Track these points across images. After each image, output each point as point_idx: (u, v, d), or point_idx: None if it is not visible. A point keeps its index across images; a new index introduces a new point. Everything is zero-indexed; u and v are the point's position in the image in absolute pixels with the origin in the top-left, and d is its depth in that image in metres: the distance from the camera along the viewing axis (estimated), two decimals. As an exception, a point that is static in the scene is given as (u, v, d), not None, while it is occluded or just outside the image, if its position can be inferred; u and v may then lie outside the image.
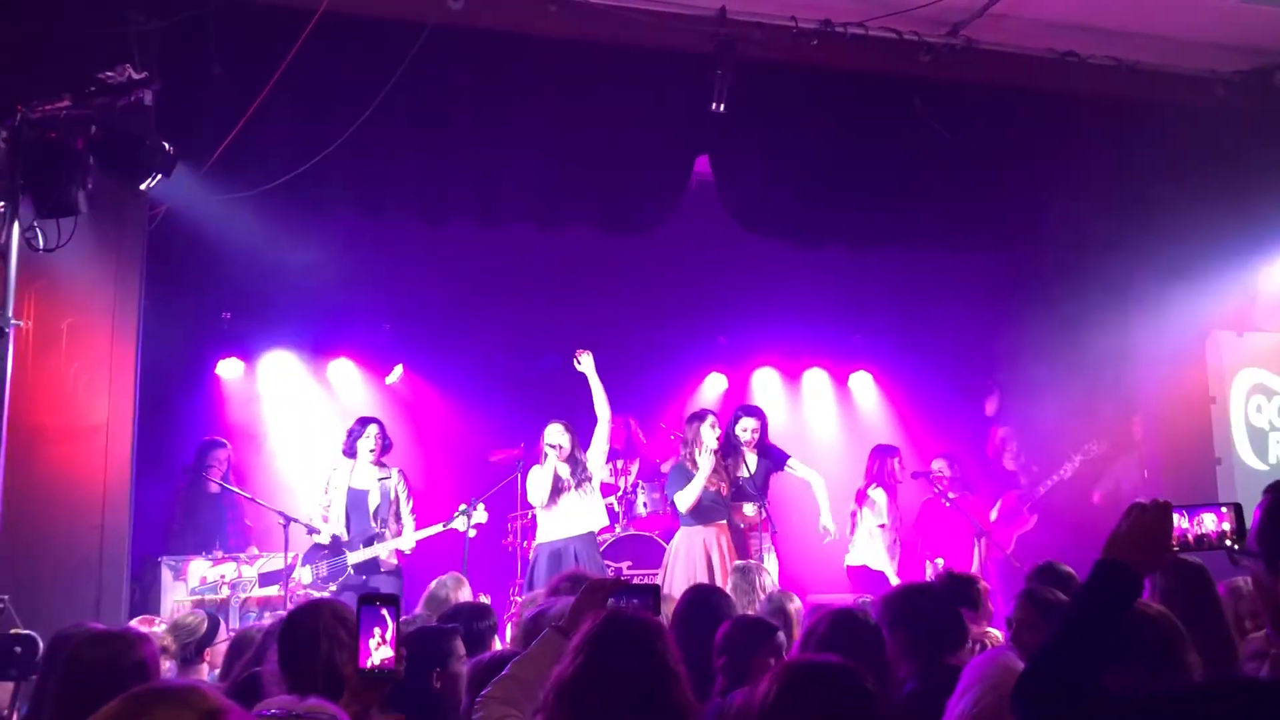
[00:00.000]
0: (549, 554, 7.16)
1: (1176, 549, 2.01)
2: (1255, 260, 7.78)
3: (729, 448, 7.41)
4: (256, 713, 2.10)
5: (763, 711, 2.09)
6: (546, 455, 7.21)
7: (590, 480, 7.33)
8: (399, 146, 6.67)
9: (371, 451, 7.35)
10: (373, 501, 7.27)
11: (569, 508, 7.24)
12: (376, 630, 2.43)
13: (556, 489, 7.24)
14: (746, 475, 7.36)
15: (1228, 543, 2.04)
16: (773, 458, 7.64)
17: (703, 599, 3.58)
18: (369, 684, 2.42)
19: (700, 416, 7.44)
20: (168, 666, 4.29)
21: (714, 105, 6.72)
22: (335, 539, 7.21)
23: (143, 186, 5.03)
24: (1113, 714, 1.78)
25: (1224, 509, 2.05)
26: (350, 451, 7.37)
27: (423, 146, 6.75)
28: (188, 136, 5.72)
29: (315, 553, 7.25)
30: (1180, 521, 2.02)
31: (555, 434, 7.25)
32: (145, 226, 6.25)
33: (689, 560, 7.03)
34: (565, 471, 7.28)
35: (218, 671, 4.75)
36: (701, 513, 7.19)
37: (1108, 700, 1.80)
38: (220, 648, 4.85)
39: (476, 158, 6.84)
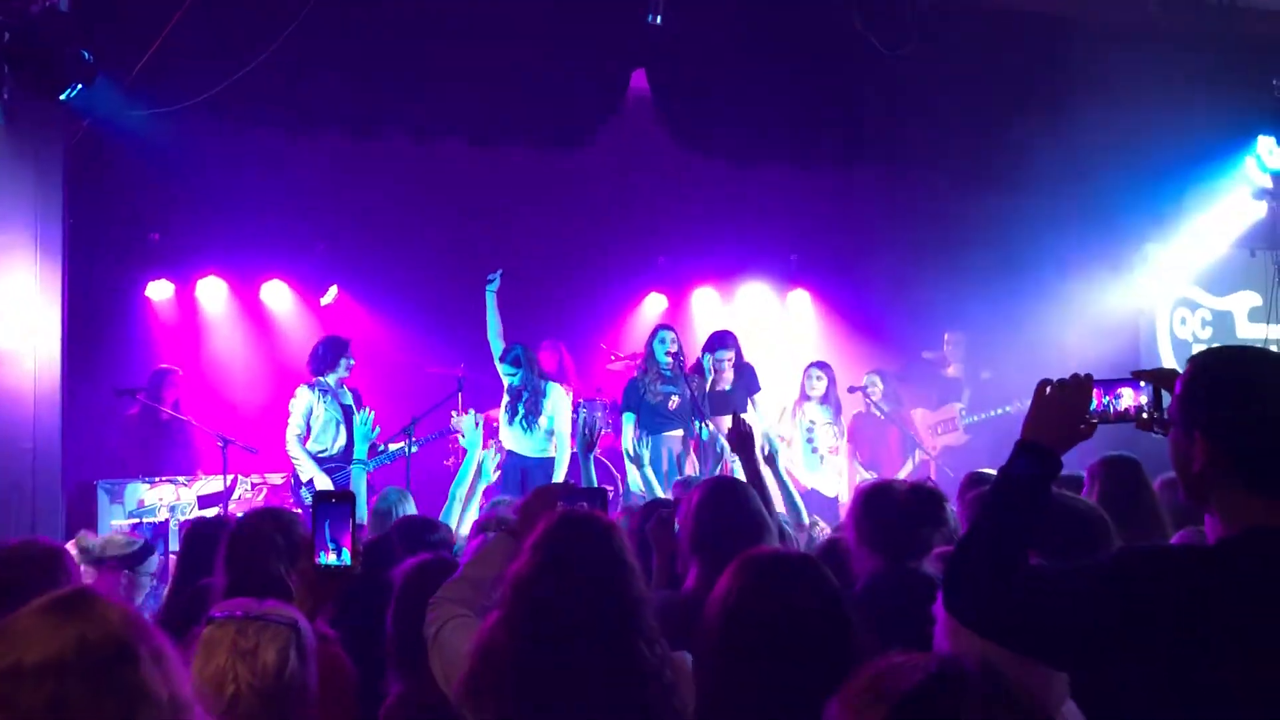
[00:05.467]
0: (510, 467, 7.30)
1: (1095, 421, 2.03)
2: (1184, 176, 7.93)
3: (700, 371, 7.52)
4: (210, 614, 2.09)
5: (725, 606, 2.09)
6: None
7: (538, 417, 7.36)
8: (328, 59, 6.52)
9: (350, 369, 7.29)
10: (360, 418, 7.25)
11: (518, 431, 7.39)
12: (333, 526, 2.43)
13: (513, 408, 7.39)
14: (726, 389, 7.50)
15: (1144, 415, 2.06)
16: (749, 381, 7.70)
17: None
18: (324, 579, 2.42)
19: (652, 334, 7.56)
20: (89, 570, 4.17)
21: (650, 17, 6.63)
22: (335, 456, 7.13)
23: (62, 97, 4.85)
24: (1040, 589, 1.80)
25: (1141, 384, 2.07)
26: (328, 370, 7.21)
27: (351, 59, 6.61)
28: (108, 46, 5.53)
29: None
30: (1099, 397, 2.05)
31: (503, 368, 7.40)
32: (65, 141, 6.04)
33: (661, 466, 7.19)
34: (522, 398, 7.38)
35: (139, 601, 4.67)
36: (653, 425, 7.34)
37: (1035, 577, 1.83)
38: (137, 575, 4.75)
39: (407, 71, 6.69)
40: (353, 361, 7.32)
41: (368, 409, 7.08)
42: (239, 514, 6.61)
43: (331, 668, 2.50)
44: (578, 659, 2.17)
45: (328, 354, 7.21)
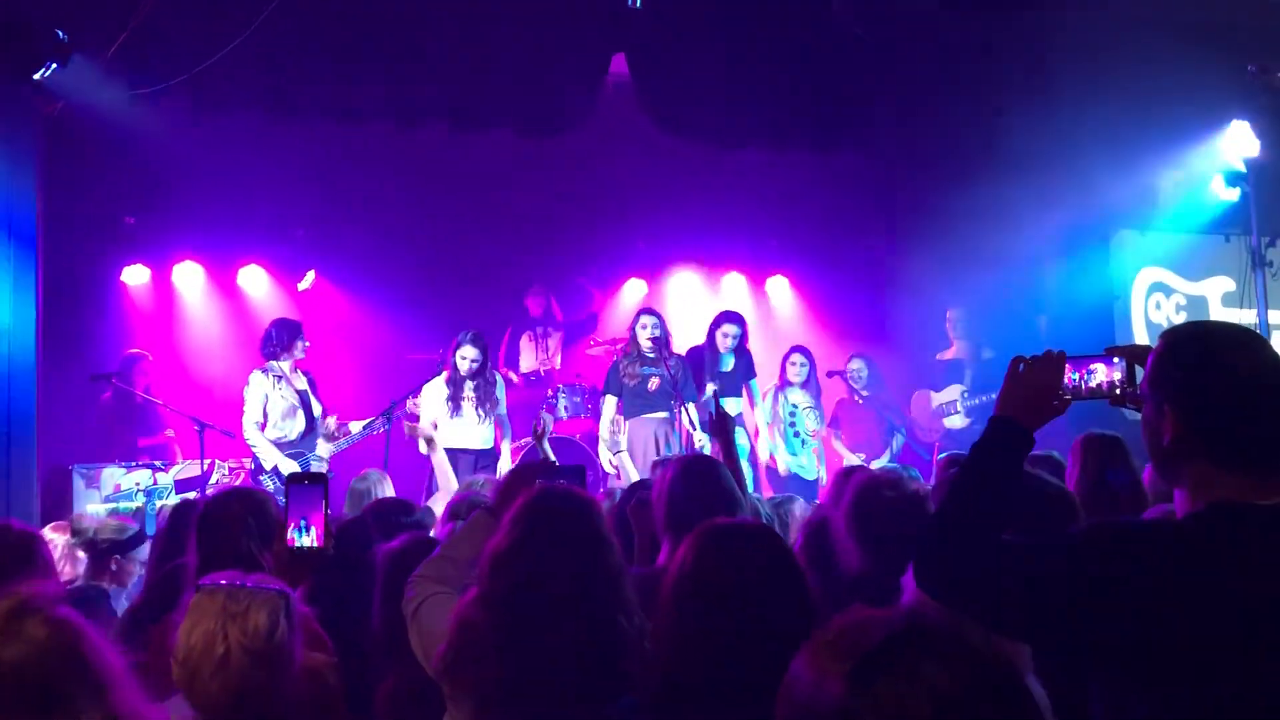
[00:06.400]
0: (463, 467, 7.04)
1: (1068, 398, 2.04)
2: (1159, 160, 7.98)
3: (711, 349, 7.60)
4: (199, 583, 2.10)
5: (681, 574, 2.09)
6: (456, 366, 7.07)
7: (494, 406, 7.20)
8: (309, 42, 6.49)
9: (305, 350, 7.10)
10: (315, 403, 7.16)
11: (468, 423, 7.15)
12: (305, 509, 2.43)
13: (456, 400, 7.11)
14: (727, 370, 7.59)
15: (1117, 391, 2.07)
16: (747, 365, 7.82)
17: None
18: (297, 561, 2.43)
19: (635, 317, 7.54)
20: (81, 556, 4.18)
21: (631, 2, 6.64)
22: (295, 442, 7.03)
23: (36, 77, 4.81)
24: (1008, 564, 1.81)
25: (1115, 360, 2.08)
26: (283, 353, 7.00)
27: (333, 42, 6.58)
28: (85, 25, 5.48)
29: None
30: (1070, 374, 2.05)
31: (468, 350, 7.09)
32: (40, 122, 5.99)
33: (642, 448, 7.17)
34: (470, 387, 7.13)
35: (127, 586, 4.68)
36: (634, 408, 7.34)
37: (1004, 552, 1.83)
38: (128, 562, 4.74)
39: (388, 55, 6.69)
40: (307, 344, 7.11)
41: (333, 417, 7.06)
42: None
43: (313, 644, 2.52)
44: (556, 632, 2.19)
45: (281, 337, 6.98)
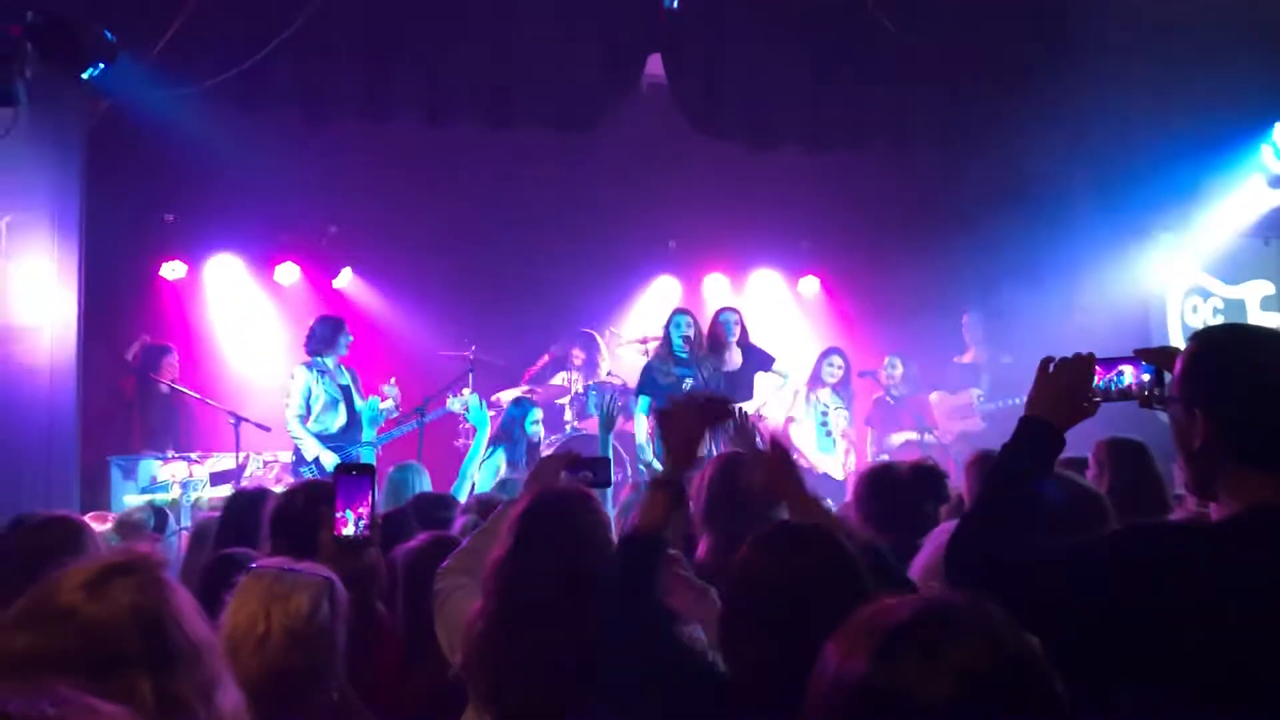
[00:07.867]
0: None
1: (1098, 400, 2.04)
2: (1199, 162, 7.88)
3: (714, 344, 7.48)
4: (249, 566, 2.16)
5: (742, 579, 2.06)
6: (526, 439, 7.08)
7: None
8: (345, 41, 6.58)
9: (349, 346, 7.21)
10: (358, 398, 7.24)
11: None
12: (353, 499, 2.47)
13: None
14: (734, 370, 7.50)
15: (1145, 393, 2.05)
16: (758, 358, 7.76)
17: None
18: (344, 550, 2.47)
19: (670, 316, 7.47)
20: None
21: (667, 1, 6.65)
22: (335, 435, 7.12)
23: (85, 75, 4.88)
24: (1038, 565, 1.81)
25: (1142, 362, 2.07)
26: (328, 349, 7.13)
27: (368, 41, 6.65)
28: (131, 26, 5.57)
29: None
30: (1099, 375, 2.04)
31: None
32: (86, 120, 6.10)
33: None
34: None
35: (171, 562, 4.77)
36: None
37: (1034, 553, 1.83)
38: (171, 541, 4.85)
39: (423, 54, 6.75)
40: (351, 339, 7.24)
41: (377, 397, 7.12)
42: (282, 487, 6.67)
43: (385, 644, 2.57)
44: (550, 635, 2.20)
45: (326, 333, 7.12)
